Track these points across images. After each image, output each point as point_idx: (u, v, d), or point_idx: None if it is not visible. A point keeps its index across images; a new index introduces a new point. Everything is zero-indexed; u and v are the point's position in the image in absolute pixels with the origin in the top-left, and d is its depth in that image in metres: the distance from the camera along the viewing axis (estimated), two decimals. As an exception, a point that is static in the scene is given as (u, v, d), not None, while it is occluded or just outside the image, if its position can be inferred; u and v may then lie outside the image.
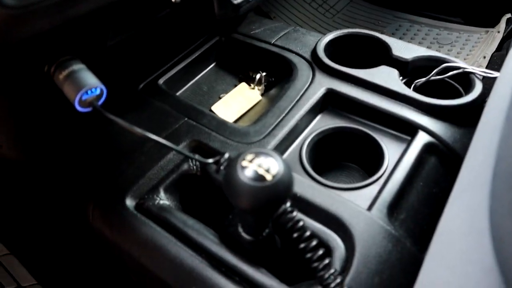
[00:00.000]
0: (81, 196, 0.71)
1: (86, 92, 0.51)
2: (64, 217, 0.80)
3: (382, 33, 1.74)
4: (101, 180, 0.71)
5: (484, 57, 1.47)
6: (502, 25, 1.57)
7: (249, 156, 0.45)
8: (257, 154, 0.45)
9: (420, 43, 1.70)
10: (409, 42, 1.70)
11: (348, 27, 1.84)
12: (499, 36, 1.52)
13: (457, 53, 1.64)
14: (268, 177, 0.43)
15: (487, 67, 1.41)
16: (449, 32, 1.73)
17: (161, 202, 0.68)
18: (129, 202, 0.68)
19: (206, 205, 0.70)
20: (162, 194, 0.69)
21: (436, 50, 1.65)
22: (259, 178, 0.43)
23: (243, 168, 0.44)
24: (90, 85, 0.51)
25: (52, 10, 0.43)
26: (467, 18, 1.74)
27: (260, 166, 0.44)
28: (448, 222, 0.46)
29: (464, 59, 1.61)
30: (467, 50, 1.63)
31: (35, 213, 0.94)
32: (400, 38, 1.73)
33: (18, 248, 1.01)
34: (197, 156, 0.69)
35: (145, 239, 0.64)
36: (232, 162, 0.45)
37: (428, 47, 1.67)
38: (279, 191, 0.44)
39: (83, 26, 0.51)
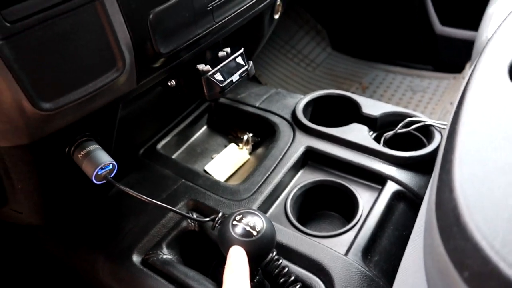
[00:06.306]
0: (91, 254, 0.80)
1: (101, 168, 0.62)
2: (75, 274, 0.88)
3: (360, 83, 1.89)
4: (109, 239, 0.80)
5: (451, 103, 1.60)
6: (467, 71, 1.71)
7: (238, 216, 0.55)
8: (245, 214, 0.55)
9: (395, 91, 1.83)
10: (385, 90, 1.85)
11: (329, 79, 1.99)
12: (465, 82, 1.66)
13: (429, 98, 1.77)
14: (254, 233, 0.53)
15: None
16: (421, 79, 1.87)
17: (164, 256, 0.77)
18: (136, 258, 0.77)
19: (204, 258, 0.79)
20: (164, 249, 0.78)
21: (410, 97, 1.79)
22: (247, 234, 0.53)
23: (234, 226, 0.54)
24: (105, 162, 0.62)
25: (75, 109, 0.54)
26: (437, 66, 1.88)
27: (248, 224, 0.54)
28: (405, 261, 0.56)
29: (436, 104, 1.75)
30: (438, 96, 1.77)
31: (46, 275, 1.02)
32: (377, 87, 1.86)
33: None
34: (195, 216, 0.79)
35: (151, 291, 0.72)
36: (225, 221, 0.55)
37: (403, 94, 1.81)
38: (263, 244, 0.54)
39: (98, 114, 0.62)
